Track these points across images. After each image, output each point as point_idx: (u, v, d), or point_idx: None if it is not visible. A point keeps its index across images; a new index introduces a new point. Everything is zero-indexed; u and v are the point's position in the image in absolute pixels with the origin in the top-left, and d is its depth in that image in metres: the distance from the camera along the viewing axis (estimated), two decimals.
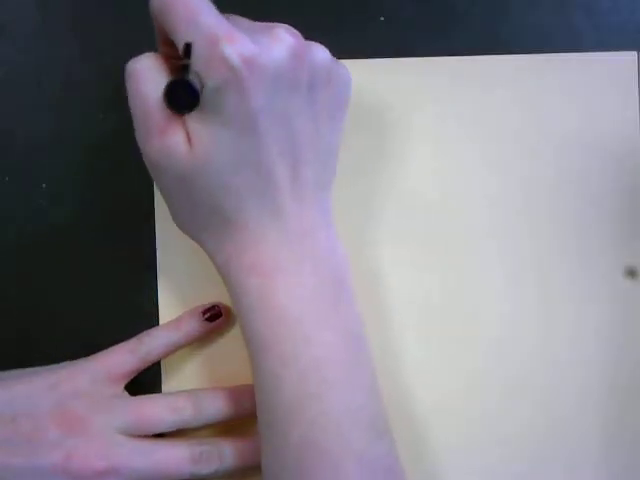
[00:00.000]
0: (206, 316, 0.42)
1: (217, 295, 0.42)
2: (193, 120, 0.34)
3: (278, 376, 0.35)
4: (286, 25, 0.35)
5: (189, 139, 0.34)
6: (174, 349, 0.41)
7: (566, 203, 0.43)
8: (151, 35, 0.43)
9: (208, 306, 0.42)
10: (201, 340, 0.42)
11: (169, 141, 0.34)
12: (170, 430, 0.39)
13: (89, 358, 0.40)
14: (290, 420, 0.35)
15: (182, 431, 0.40)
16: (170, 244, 0.43)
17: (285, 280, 0.35)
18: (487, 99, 0.43)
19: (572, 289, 0.43)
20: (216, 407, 0.40)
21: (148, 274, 0.43)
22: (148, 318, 0.43)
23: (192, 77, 0.32)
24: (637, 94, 0.43)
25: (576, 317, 0.43)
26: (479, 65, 0.43)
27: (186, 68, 0.32)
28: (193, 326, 0.41)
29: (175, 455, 0.39)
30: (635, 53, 0.43)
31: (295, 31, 0.35)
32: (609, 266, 0.43)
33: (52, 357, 0.41)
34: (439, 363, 0.43)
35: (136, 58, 0.35)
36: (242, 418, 0.41)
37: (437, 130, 0.43)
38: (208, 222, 0.36)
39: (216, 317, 0.42)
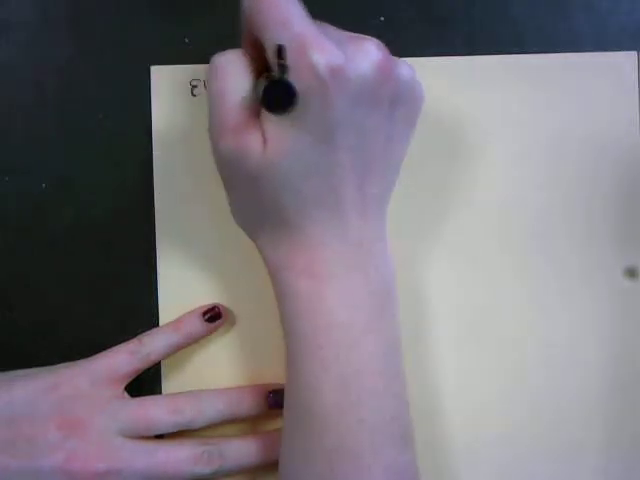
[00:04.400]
0: (206, 317, 0.42)
1: (217, 295, 0.42)
2: (271, 122, 0.33)
3: (319, 379, 0.35)
4: (376, 39, 0.34)
5: (264, 139, 0.34)
6: (174, 350, 0.41)
7: (565, 203, 0.43)
8: (151, 35, 0.43)
9: (208, 307, 0.42)
10: (201, 341, 0.42)
11: (244, 140, 0.34)
12: (170, 431, 0.39)
13: (89, 359, 0.40)
14: (326, 425, 0.35)
15: (183, 431, 0.40)
16: (170, 244, 0.43)
17: (336, 286, 0.35)
18: (486, 99, 0.43)
19: (572, 289, 0.43)
20: (216, 408, 0.40)
21: (148, 274, 0.43)
22: (148, 318, 0.43)
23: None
24: (637, 94, 0.43)
25: (576, 317, 0.43)
26: (479, 65, 0.43)
27: (284, 68, 0.31)
28: (193, 327, 0.41)
29: (176, 456, 0.39)
30: (635, 53, 0.43)
31: (383, 46, 0.34)
32: (609, 266, 0.43)
33: (52, 358, 0.41)
34: (440, 366, 0.43)
35: (222, 52, 0.35)
36: (243, 419, 0.41)
37: (436, 130, 0.43)
38: (267, 220, 0.36)
39: (216, 318, 0.42)
